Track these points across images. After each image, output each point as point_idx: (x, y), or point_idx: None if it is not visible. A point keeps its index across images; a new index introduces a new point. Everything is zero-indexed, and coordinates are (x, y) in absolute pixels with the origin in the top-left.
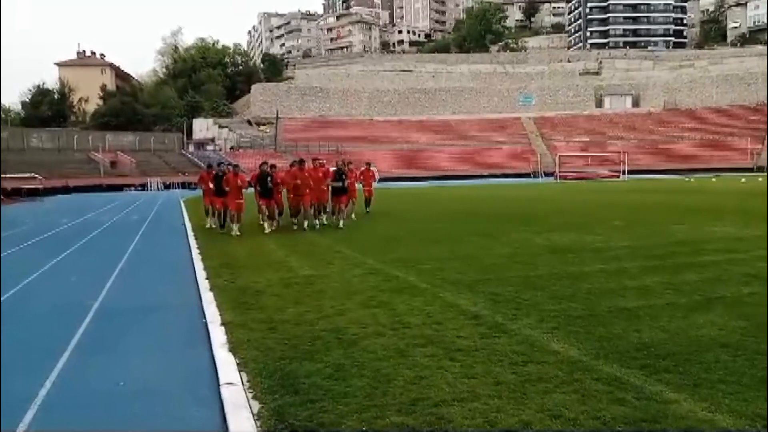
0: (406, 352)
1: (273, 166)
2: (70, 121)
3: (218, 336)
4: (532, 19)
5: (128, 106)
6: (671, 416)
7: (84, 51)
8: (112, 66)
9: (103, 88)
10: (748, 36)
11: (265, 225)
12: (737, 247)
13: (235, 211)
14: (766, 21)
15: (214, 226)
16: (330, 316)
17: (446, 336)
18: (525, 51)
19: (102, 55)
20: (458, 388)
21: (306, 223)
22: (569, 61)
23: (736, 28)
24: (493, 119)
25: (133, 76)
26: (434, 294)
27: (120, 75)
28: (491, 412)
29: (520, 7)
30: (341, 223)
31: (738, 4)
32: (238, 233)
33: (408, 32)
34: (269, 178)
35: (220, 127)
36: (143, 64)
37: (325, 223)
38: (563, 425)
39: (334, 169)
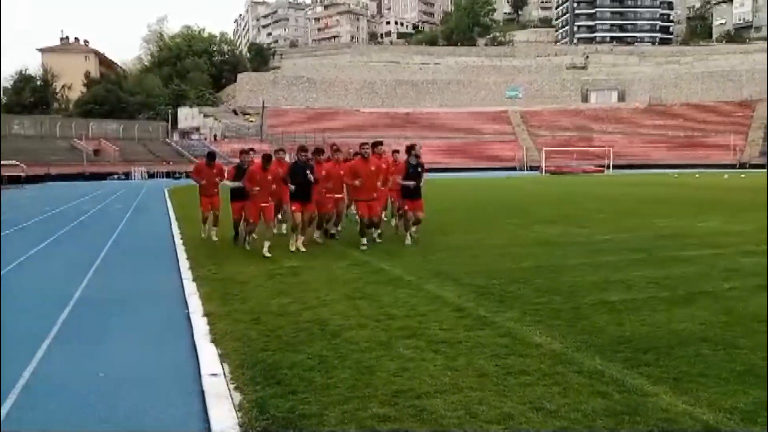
0: (389, 344)
1: (319, 151)
2: (53, 108)
3: (201, 327)
4: (520, 13)
5: (112, 94)
6: (651, 409)
7: (67, 37)
8: (96, 53)
9: (87, 75)
10: (733, 33)
11: (293, 241)
12: (720, 242)
13: (269, 221)
14: (750, 19)
15: (215, 237)
16: (314, 308)
17: (429, 328)
18: (512, 44)
19: (86, 41)
20: (440, 380)
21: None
22: (556, 56)
23: (721, 25)
24: (480, 112)
25: (118, 63)
26: (418, 286)
27: (104, 62)
28: (473, 404)
29: (508, 0)
30: (409, 239)
31: (724, 1)
32: (268, 254)
33: (396, 23)
34: (308, 173)
35: (206, 116)
36: (128, 51)
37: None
38: (544, 417)
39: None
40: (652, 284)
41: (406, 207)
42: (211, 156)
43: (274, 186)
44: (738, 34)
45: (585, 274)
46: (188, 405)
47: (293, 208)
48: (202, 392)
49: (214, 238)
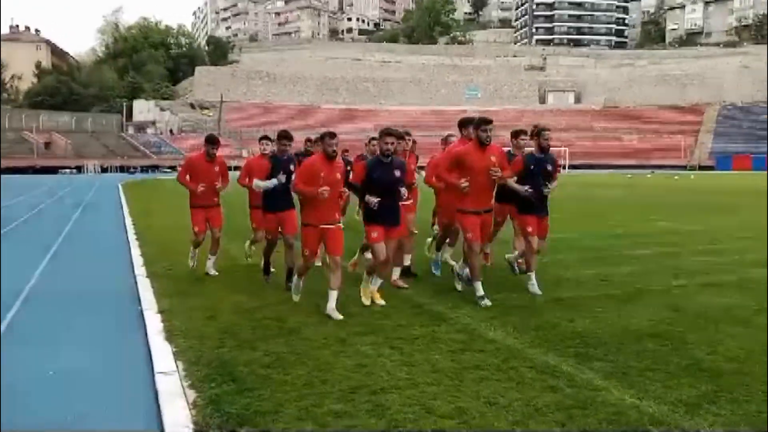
0: (347, 340)
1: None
2: (1, 99)
3: (154, 324)
4: (480, 13)
5: (65, 85)
6: (601, 403)
7: (17, 26)
8: (48, 42)
9: (38, 65)
10: (685, 38)
11: (368, 288)
12: (669, 241)
13: (333, 254)
14: (702, 24)
15: (213, 271)
16: (272, 305)
17: (387, 325)
18: (472, 44)
19: (37, 30)
20: (397, 376)
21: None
22: (515, 56)
23: (674, 30)
24: (440, 111)
25: (71, 54)
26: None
27: (56, 52)
28: (428, 399)
29: (468, 0)
30: (534, 284)
31: (676, 7)
32: (338, 315)
33: (357, 20)
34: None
35: (162, 109)
36: (82, 42)
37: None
38: (497, 412)
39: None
40: (603, 282)
41: (528, 229)
42: (212, 141)
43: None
44: (690, 40)
45: (538, 272)
46: (141, 403)
47: (373, 235)
48: (155, 390)
49: (212, 272)
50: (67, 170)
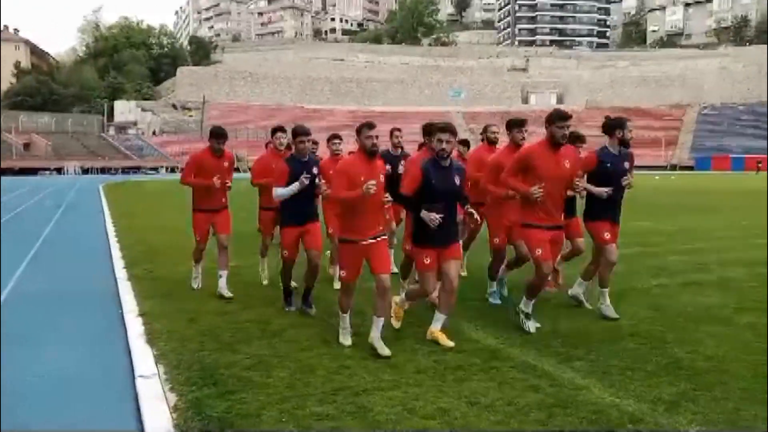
0: (330, 342)
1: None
2: None
3: (135, 327)
4: (463, 14)
5: (44, 86)
6: (581, 402)
7: None
8: (27, 42)
9: (17, 65)
10: (666, 39)
11: (441, 336)
12: (649, 241)
13: (380, 273)
14: (682, 26)
15: (227, 293)
16: (255, 307)
17: (371, 326)
18: (456, 45)
19: (16, 30)
20: (380, 377)
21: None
22: (498, 57)
23: (655, 31)
24: (423, 112)
25: (50, 54)
26: (361, 284)
27: (36, 52)
28: (410, 399)
29: (452, 1)
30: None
31: (657, 9)
32: (385, 350)
33: (341, 20)
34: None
35: (144, 110)
36: (62, 42)
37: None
38: (479, 411)
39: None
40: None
41: (606, 236)
42: (218, 135)
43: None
44: (670, 41)
45: (520, 272)
46: (122, 407)
47: (425, 261)
48: (136, 394)
49: (227, 293)
50: (47, 171)
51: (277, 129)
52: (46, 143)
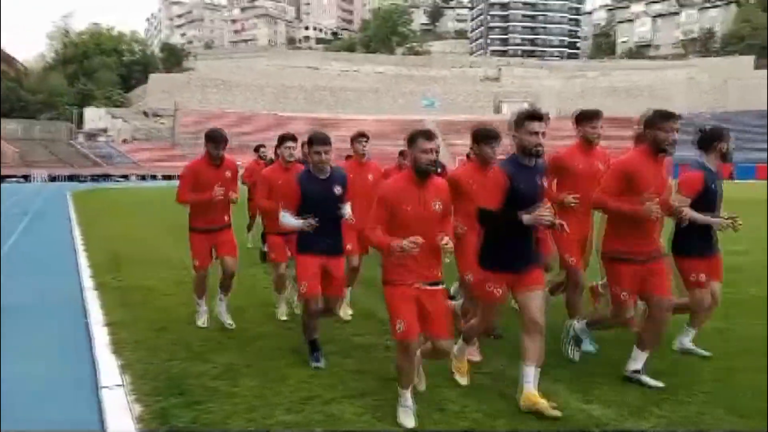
0: (301, 350)
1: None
2: None
3: (101, 336)
4: (437, 24)
5: (12, 92)
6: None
7: None
8: None
9: None
10: (635, 50)
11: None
12: None
13: (439, 338)
14: (650, 37)
15: (229, 322)
16: None
17: (343, 334)
18: (429, 55)
19: None
20: (350, 386)
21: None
22: (471, 67)
23: (624, 42)
24: (397, 121)
25: (18, 60)
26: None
27: (3, 58)
28: (379, 407)
29: (425, 11)
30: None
31: (626, 21)
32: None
33: (314, 29)
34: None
35: (114, 117)
36: (30, 47)
37: None
38: (448, 418)
39: None
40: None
41: (702, 278)
42: (216, 139)
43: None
44: (639, 52)
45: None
46: (86, 418)
47: (497, 293)
48: (100, 405)
49: (228, 321)
50: (14, 179)
51: (286, 137)
52: (14, 150)
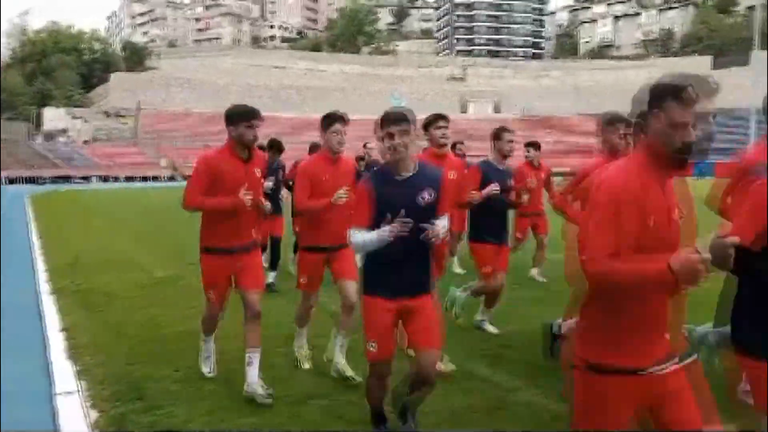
0: (265, 352)
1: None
2: None
3: (57, 342)
4: (402, 24)
5: None
6: (513, 403)
7: None
8: None
9: None
10: (597, 51)
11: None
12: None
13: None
14: (612, 38)
15: (258, 392)
16: (187, 319)
17: (306, 335)
18: (395, 54)
19: None
20: (313, 387)
21: None
22: (437, 66)
23: (587, 43)
24: (364, 120)
25: None
26: (296, 294)
27: None
28: (342, 406)
29: (391, 11)
30: None
31: (588, 22)
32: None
33: (280, 28)
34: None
35: (74, 117)
36: None
37: None
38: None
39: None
40: (516, 285)
41: None
42: (247, 115)
43: None
44: (601, 53)
45: (455, 280)
46: (38, 426)
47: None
48: (55, 411)
49: (262, 393)
50: None
51: (334, 118)
52: None
